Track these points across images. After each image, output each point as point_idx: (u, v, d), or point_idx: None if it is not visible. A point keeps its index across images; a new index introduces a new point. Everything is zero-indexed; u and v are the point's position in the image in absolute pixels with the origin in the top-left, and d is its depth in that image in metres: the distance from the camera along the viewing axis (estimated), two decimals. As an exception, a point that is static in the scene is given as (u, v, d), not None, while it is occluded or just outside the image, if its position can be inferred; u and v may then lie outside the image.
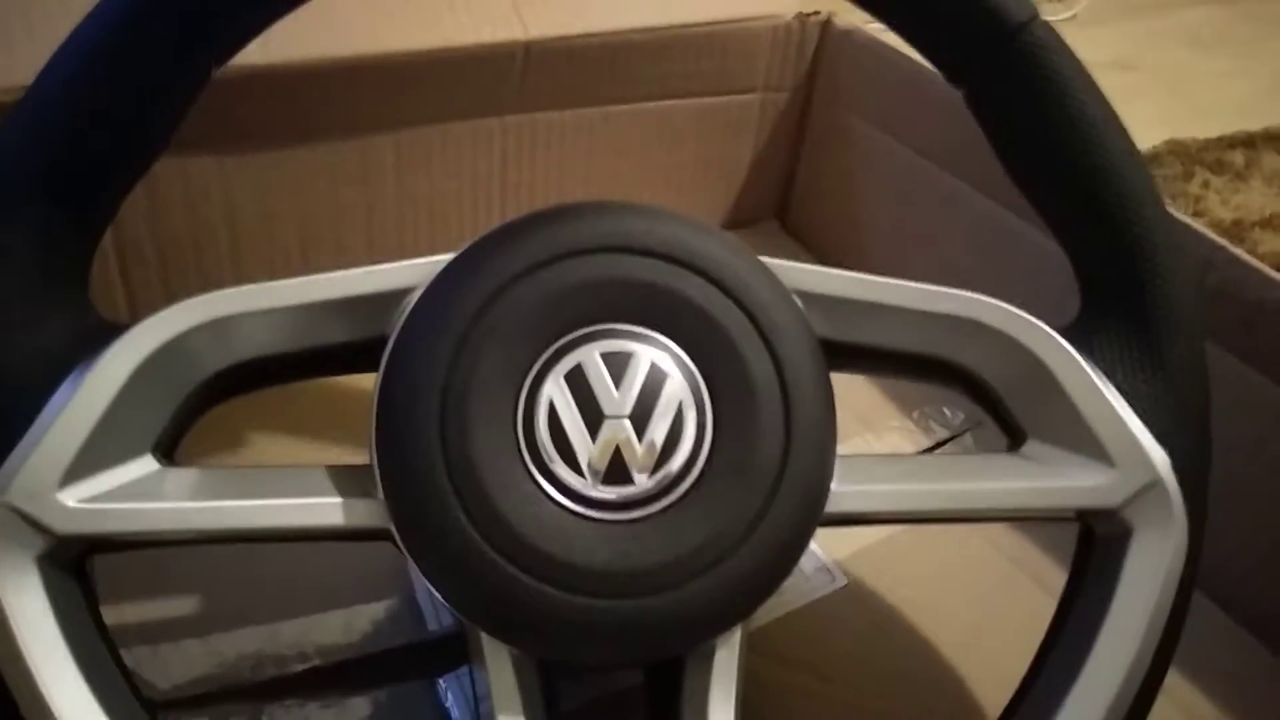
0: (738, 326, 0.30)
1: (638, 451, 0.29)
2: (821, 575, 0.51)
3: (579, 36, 0.60)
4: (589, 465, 0.29)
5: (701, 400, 0.30)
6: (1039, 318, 0.34)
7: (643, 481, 0.29)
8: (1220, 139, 1.25)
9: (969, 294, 0.33)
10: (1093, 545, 0.34)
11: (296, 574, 0.47)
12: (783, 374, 0.30)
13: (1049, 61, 0.33)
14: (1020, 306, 0.34)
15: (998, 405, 0.34)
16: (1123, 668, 0.32)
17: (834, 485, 0.31)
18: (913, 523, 0.35)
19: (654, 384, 0.30)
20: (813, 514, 0.31)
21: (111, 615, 0.32)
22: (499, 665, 0.30)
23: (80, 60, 0.30)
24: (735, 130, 0.70)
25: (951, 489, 0.33)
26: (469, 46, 0.58)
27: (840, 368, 0.32)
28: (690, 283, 0.30)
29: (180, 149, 0.56)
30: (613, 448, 0.29)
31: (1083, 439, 0.33)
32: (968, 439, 0.59)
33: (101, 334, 0.30)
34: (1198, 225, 0.50)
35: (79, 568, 0.31)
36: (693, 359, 0.30)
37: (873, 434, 0.59)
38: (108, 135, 0.30)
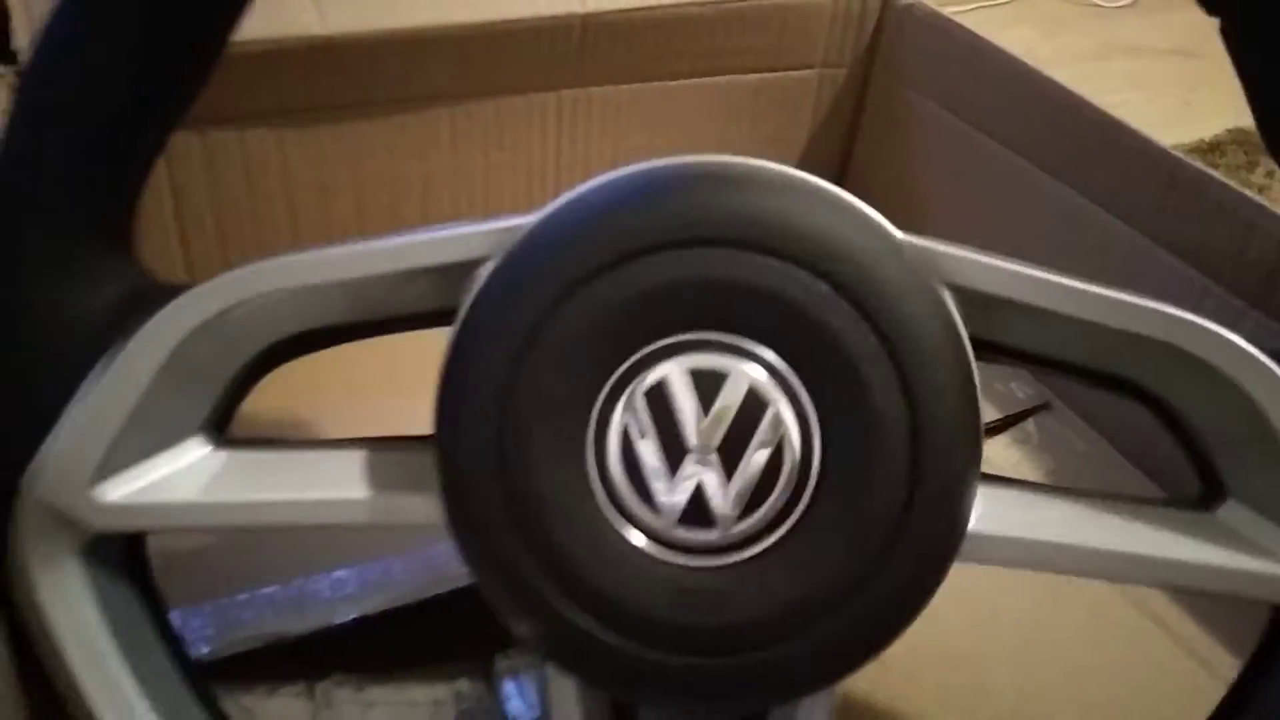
0: (863, 344, 0.24)
1: (725, 492, 0.25)
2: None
3: (637, 10, 0.59)
4: (668, 502, 0.25)
5: (809, 433, 0.25)
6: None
7: (729, 525, 0.25)
8: (1286, 126, 1.21)
9: (1169, 310, 0.26)
10: None
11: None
12: (914, 409, 0.24)
13: None
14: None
15: (1196, 446, 0.28)
16: None
17: (971, 527, 0.26)
18: (1061, 573, 0.28)
19: (751, 411, 0.25)
20: (937, 572, 0.26)
21: (158, 567, 0.31)
22: (563, 696, 0.28)
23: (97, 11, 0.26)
24: (792, 107, 0.69)
25: (1125, 553, 0.27)
26: (527, 19, 0.58)
27: (991, 361, 0.27)
28: (809, 287, 0.24)
29: (239, 121, 0.57)
30: (695, 485, 0.25)
31: None
32: (1030, 424, 0.58)
33: (149, 296, 0.27)
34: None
35: (130, 552, 0.29)
36: (802, 382, 0.25)
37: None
38: (134, 84, 0.27)
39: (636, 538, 0.25)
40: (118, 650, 0.28)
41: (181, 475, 0.28)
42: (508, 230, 0.26)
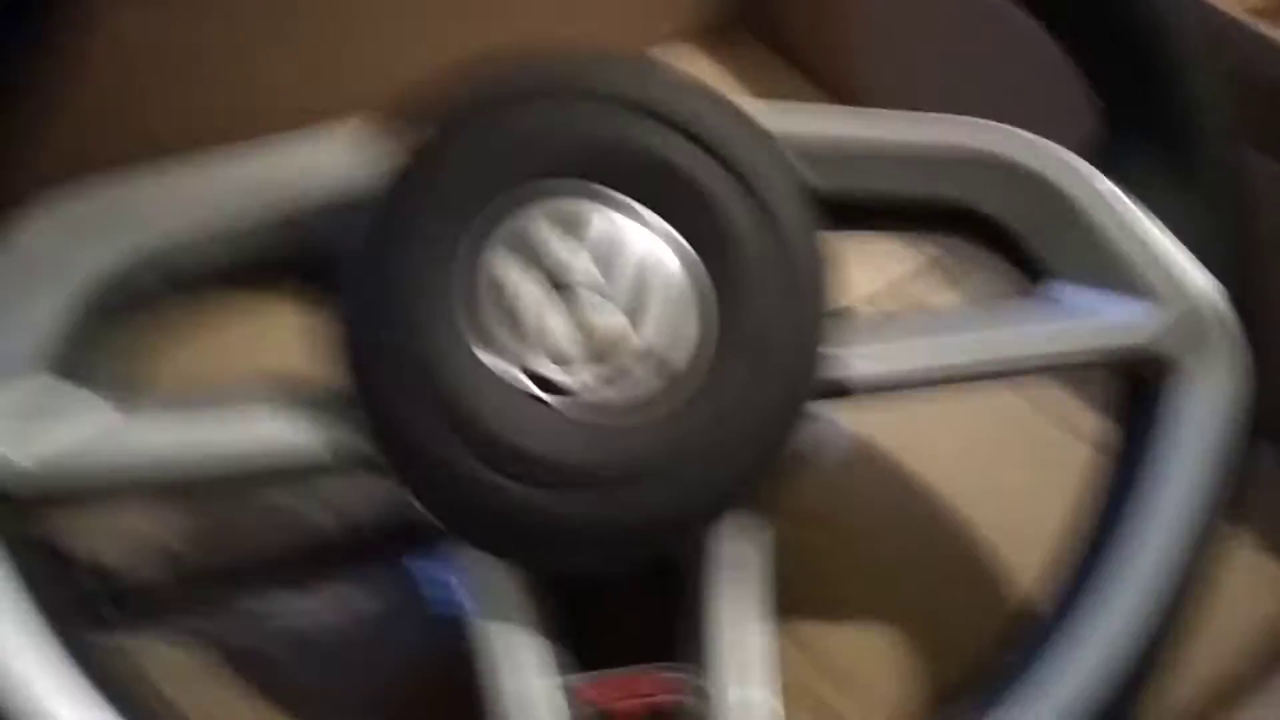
0: (713, 177, 0.27)
1: (597, 326, 0.27)
2: (826, 426, 0.49)
3: None
4: (544, 346, 0.27)
5: (680, 269, 0.27)
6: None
7: (626, 361, 0.27)
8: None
9: (971, 121, 0.30)
10: (1138, 393, 0.31)
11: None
12: (773, 223, 0.27)
13: None
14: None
15: (1016, 245, 0.31)
16: (1176, 521, 0.29)
17: (839, 350, 0.29)
18: (925, 387, 0.31)
19: (609, 249, 0.27)
20: (799, 388, 0.28)
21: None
22: (485, 577, 0.28)
23: None
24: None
25: (973, 341, 0.30)
26: None
27: (838, 227, 0.29)
28: (643, 128, 0.27)
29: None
30: (572, 323, 0.27)
31: (1114, 270, 0.30)
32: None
33: None
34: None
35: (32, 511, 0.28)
36: (670, 224, 0.27)
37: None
38: None
39: (525, 383, 0.27)
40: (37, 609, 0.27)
41: (31, 406, 0.27)
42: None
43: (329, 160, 0.28)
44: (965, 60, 0.57)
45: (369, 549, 0.43)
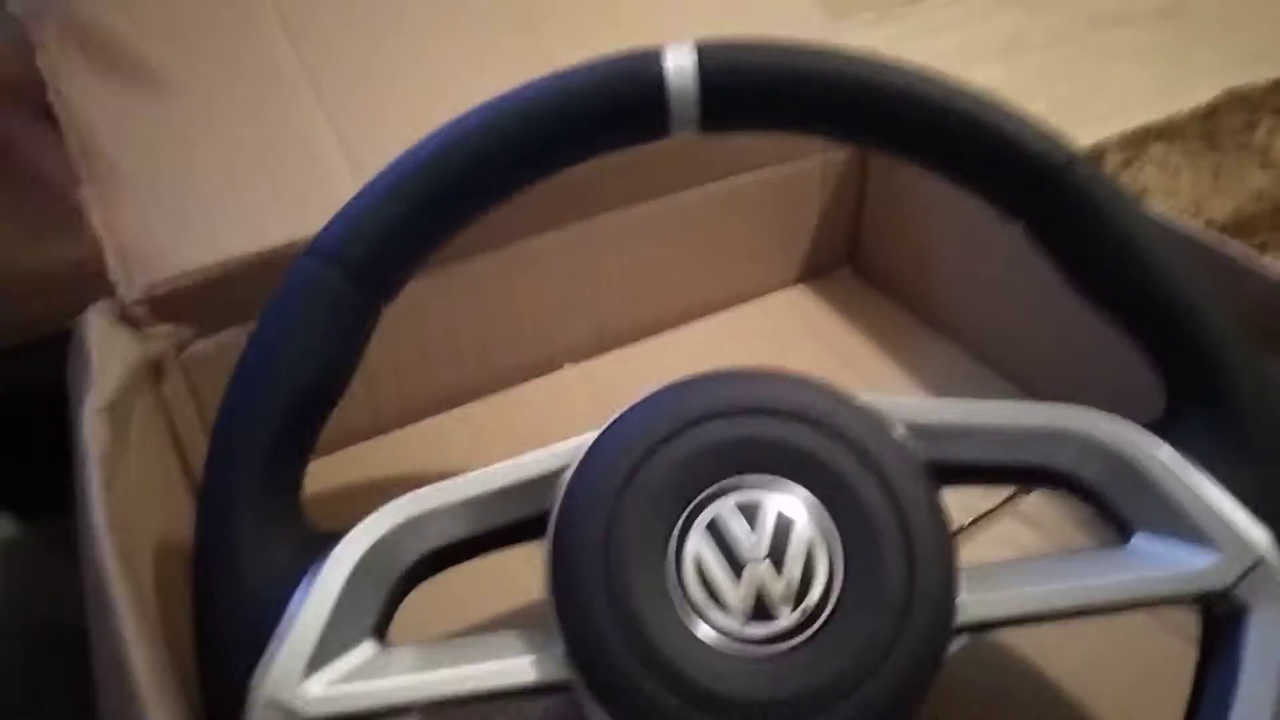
0: (852, 468, 0.34)
1: (778, 590, 0.33)
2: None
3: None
4: (736, 606, 0.33)
5: (830, 537, 0.33)
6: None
7: (785, 617, 0.33)
8: (1280, 82, 1.22)
9: (1059, 406, 0.37)
10: (1213, 626, 0.37)
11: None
12: (899, 505, 0.33)
13: (1098, 191, 0.37)
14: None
15: (1101, 503, 0.37)
16: None
17: (960, 596, 0.34)
18: (1037, 623, 0.37)
19: (784, 527, 0.33)
20: (944, 629, 0.33)
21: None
22: None
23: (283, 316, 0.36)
24: (800, 192, 0.73)
25: (1070, 587, 0.36)
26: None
27: (948, 484, 0.36)
28: (805, 433, 0.34)
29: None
30: (756, 588, 0.33)
31: (1185, 527, 0.35)
32: (1032, 497, 0.59)
33: (320, 541, 0.35)
34: (1248, 259, 0.50)
35: None
36: (818, 500, 0.34)
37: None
38: (313, 382, 0.36)
39: (719, 637, 0.33)
40: None
41: (363, 666, 0.35)
42: (580, 442, 0.36)
43: (557, 464, 0.36)
44: (1034, 296, 0.61)
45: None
